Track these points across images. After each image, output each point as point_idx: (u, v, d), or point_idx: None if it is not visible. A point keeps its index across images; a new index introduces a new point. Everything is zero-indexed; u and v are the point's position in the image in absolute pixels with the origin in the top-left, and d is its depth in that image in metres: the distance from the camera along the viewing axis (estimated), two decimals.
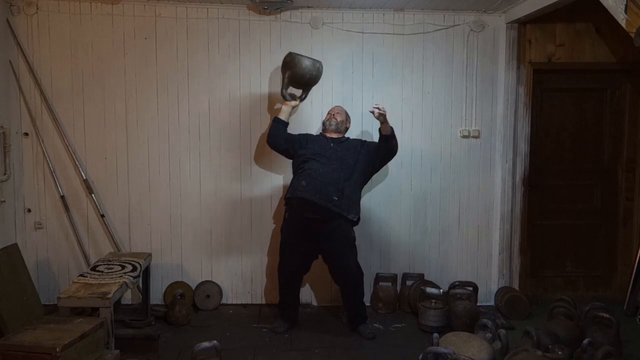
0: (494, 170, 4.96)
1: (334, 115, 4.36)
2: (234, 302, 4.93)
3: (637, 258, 4.80)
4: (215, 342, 3.37)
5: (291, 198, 4.08)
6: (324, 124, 4.40)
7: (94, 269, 3.98)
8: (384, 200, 4.92)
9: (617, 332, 3.90)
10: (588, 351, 3.62)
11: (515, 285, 4.97)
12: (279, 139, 4.32)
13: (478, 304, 4.68)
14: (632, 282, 4.81)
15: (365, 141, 4.40)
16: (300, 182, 4.04)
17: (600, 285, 5.25)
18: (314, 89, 4.80)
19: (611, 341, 3.77)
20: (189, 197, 4.80)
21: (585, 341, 3.67)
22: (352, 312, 4.42)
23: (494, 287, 5.01)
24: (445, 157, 4.93)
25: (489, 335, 3.88)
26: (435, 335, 3.63)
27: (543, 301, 4.93)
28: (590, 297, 5.05)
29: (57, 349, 2.89)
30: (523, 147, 4.89)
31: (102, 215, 4.67)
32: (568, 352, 3.65)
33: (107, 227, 4.69)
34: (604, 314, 3.96)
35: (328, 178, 4.03)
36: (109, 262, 4.12)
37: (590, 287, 5.24)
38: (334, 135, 4.32)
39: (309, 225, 4.06)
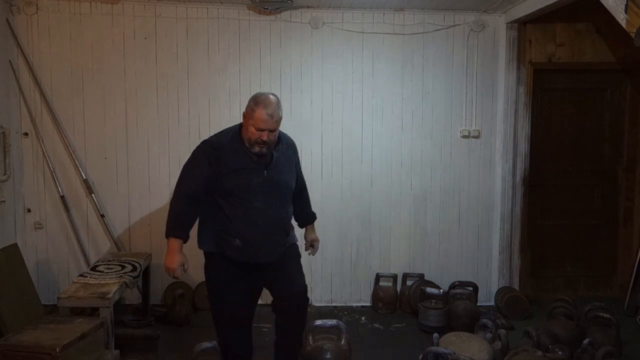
0: (494, 170, 4.96)
1: (264, 133, 2.89)
2: None
3: (637, 258, 4.80)
4: (215, 342, 3.37)
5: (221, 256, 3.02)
6: (248, 140, 2.94)
7: (94, 269, 3.98)
8: (384, 200, 4.92)
9: (617, 332, 3.90)
10: (588, 351, 3.62)
11: (515, 286, 4.97)
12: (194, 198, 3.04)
13: (478, 304, 4.68)
14: (632, 282, 4.81)
15: (296, 152, 3.31)
16: (232, 239, 2.92)
17: (600, 286, 5.24)
18: (314, 88, 4.81)
19: (611, 341, 3.78)
20: None
21: (586, 341, 3.67)
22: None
23: (494, 287, 5.00)
24: (446, 157, 4.93)
25: (489, 335, 3.88)
26: (436, 335, 3.63)
27: (543, 301, 4.92)
28: (590, 297, 5.05)
29: (57, 349, 2.90)
30: (523, 147, 4.89)
31: (102, 215, 4.67)
32: (568, 352, 3.65)
33: (107, 227, 4.69)
34: (604, 314, 3.96)
35: (270, 226, 2.95)
36: (109, 262, 4.12)
37: (590, 287, 5.23)
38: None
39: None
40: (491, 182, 4.97)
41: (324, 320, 3.53)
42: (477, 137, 4.91)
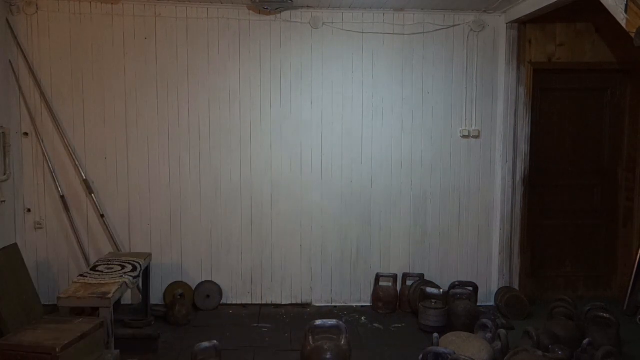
0: (494, 170, 4.96)
1: None
2: (234, 302, 4.92)
3: (637, 258, 4.79)
4: (215, 342, 3.36)
5: None
6: None
7: (93, 269, 3.98)
8: (384, 200, 4.92)
9: (617, 332, 3.90)
10: (588, 351, 3.62)
11: (515, 285, 4.97)
12: None
13: (478, 304, 4.68)
14: (632, 282, 4.80)
15: None
16: None
17: (600, 285, 5.24)
18: (314, 88, 4.81)
19: (611, 341, 3.78)
20: (189, 197, 4.80)
21: (586, 341, 3.67)
22: None
23: (494, 287, 5.00)
24: (446, 157, 4.93)
25: (489, 335, 3.88)
26: (435, 335, 3.62)
27: (543, 301, 4.92)
28: (590, 297, 5.05)
29: (57, 349, 2.90)
30: (523, 147, 4.89)
31: (102, 215, 4.67)
32: (568, 352, 3.65)
33: (107, 227, 4.69)
34: (604, 314, 3.96)
35: None
36: (109, 262, 4.12)
37: (590, 287, 5.23)
38: None
39: None
40: (491, 182, 4.97)
41: (324, 320, 3.52)
42: (477, 137, 4.91)
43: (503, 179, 4.91)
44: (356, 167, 4.88)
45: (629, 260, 5.03)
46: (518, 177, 4.91)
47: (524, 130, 4.87)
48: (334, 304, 4.95)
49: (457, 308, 4.41)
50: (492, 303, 4.97)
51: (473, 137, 4.91)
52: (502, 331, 3.79)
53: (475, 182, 4.96)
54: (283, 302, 4.94)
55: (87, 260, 4.68)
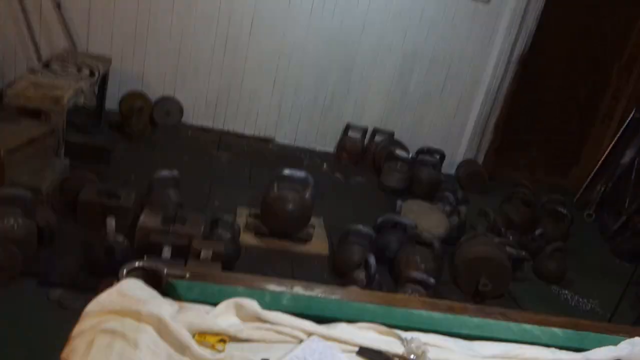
0: (493, 41, 4.62)
1: None
2: (194, 123, 4.67)
3: (604, 155, 4.80)
4: (175, 171, 3.18)
5: None
6: None
7: (46, 66, 3.56)
8: (372, 50, 4.55)
9: (569, 227, 4.01)
10: (537, 240, 3.74)
11: (480, 160, 4.96)
12: None
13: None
14: (591, 176, 4.86)
15: None
16: None
17: (558, 174, 5.30)
18: None
19: (562, 235, 3.90)
20: (160, 3, 4.25)
21: (538, 231, 3.78)
22: None
23: (459, 158, 4.97)
24: (448, 18, 4.51)
25: (447, 208, 3.89)
26: (400, 203, 3.61)
27: (502, 180, 4.93)
28: (547, 183, 5.09)
29: (1, 152, 2.66)
30: (530, 23, 4.54)
31: (59, 5, 4.08)
32: (518, 238, 3.76)
33: (63, 19, 4.14)
34: (562, 210, 4.04)
35: None
36: (64, 62, 3.69)
37: (549, 174, 5.29)
38: None
39: None
40: (486, 54, 4.66)
41: (293, 170, 3.33)
42: (486, 2, 4.47)
43: (500, 53, 4.61)
44: (350, 9, 4.40)
45: (595, 155, 5.03)
46: (515, 54, 4.62)
47: (537, 5, 4.46)
48: (297, 145, 4.80)
49: (421, 174, 4.38)
50: (453, 172, 4.96)
51: (482, 1, 4.46)
52: (462, 208, 3.82)
53: (470, 49, 4.64)
54: (246, 133, 4.74)
55: (37, 51, 4.18)
